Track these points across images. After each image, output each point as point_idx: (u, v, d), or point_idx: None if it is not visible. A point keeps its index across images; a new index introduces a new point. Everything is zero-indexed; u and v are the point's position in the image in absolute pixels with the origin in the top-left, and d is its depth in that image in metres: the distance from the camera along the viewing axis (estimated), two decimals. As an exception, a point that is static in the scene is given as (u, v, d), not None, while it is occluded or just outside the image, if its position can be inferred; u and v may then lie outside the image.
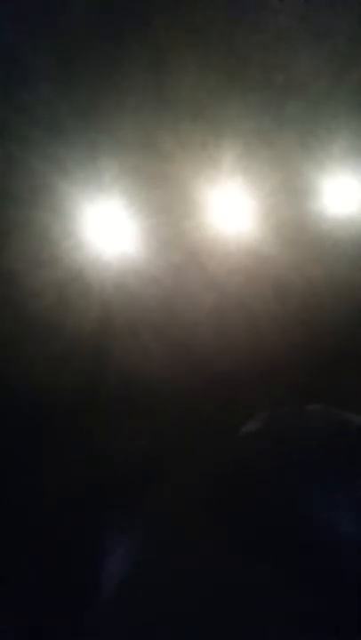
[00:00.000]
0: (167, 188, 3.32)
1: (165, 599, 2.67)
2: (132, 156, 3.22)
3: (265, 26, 2.92)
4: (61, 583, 2.94)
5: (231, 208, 3.45)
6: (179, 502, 3.10)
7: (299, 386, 3.86)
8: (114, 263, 3.57)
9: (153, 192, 3.34)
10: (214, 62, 3.01)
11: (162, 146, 3.17)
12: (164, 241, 3.52)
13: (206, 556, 2.74)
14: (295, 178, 3.37)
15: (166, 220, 3.43)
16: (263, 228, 3.51)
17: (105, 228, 3.46)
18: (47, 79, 2.98)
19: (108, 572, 2.92)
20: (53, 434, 3.60)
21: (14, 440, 3.54)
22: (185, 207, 3.40)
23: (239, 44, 2.97)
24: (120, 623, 2.71)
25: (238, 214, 3.47)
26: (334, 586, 2.55)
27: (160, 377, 3.78)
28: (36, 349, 3.67)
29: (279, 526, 2.72)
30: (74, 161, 3.18)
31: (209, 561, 2.73)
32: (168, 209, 3.39)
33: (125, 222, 3.46)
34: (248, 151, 3.23)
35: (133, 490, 3.36)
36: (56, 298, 3.58)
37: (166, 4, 2.87)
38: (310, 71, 3.04)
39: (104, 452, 3.60)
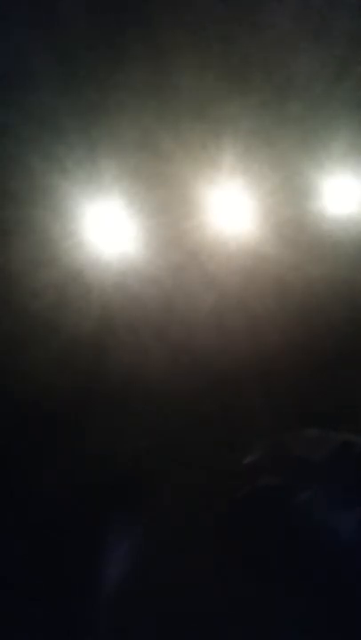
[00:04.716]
0: (167, 188, 3.32)
1: (166, 600, 2.67)
2: (132, 156, 3.22)
3: (265, 26, 2.93)
4: (61, 583, 2.93)
5: (231, 208, 3.45)
6: (179, 503, 3.10)
7: (299, 387, 3.85)
8: (114, 263, 3.57)
9: (153, 192, 3.34)
10: (214, 62, 3.01)
11: (162, 146, 3.17)
12: (164, 241, 3.52)
13: (207, 558, 2.74)
14: (295, 178, 3.37)
15: (166, 220, 3.43)
16: (263, 227, 3.51)
17: (105, 227, 3.46)
18: (47, 79, 2.98)
19: (108, 573, 2.92)
20: (53, 434, 3.60)
21: (13, 440, 3.54)
22: (185, 207, 3.40)
23: (239, 44, 2.98)
24: (120, 624, 2.71)
25: (238, 214, 3.47)
26: (339, 599, 2.55)
27: (160, 377, 3.78)
28: (35, 349, 3.66)
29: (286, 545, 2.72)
30: (74, 161, 3.18)
31: (209, 562, 2.73)
32: (168, 209, 3.39)
33: (125, 222, 3.46)
34: (248, 151, 3.23)
35: (133, 490, 3.36)
36: (56, 298, 3.57)
37: (166, 4, 2.87)
38: (310, 71, 3.05)
39: (104, 452, 3.59)
